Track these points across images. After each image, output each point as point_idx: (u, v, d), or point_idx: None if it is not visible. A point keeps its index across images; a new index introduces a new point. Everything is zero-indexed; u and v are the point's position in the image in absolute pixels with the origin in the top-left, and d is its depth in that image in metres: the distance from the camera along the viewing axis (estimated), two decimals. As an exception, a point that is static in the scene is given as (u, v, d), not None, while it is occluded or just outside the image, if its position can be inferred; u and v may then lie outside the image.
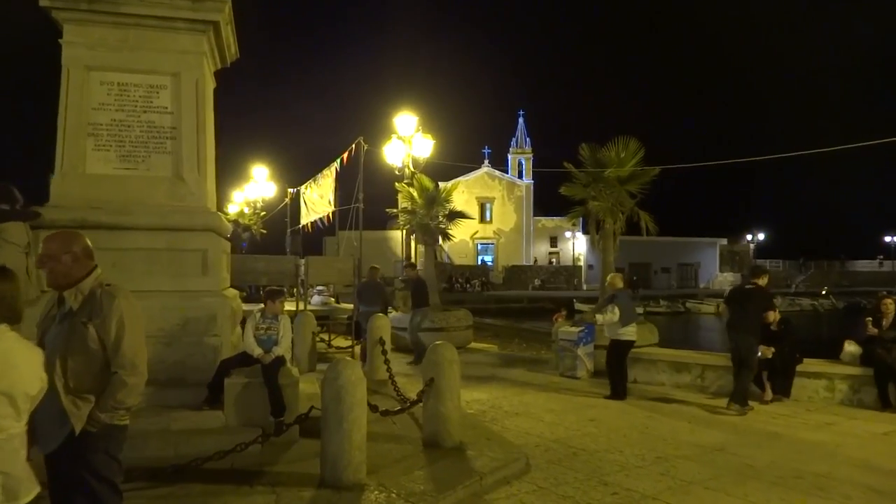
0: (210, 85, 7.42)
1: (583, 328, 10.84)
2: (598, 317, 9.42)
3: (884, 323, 8.63)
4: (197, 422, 5.99)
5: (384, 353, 9.31)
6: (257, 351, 6.20)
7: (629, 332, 9.52)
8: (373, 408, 5.44)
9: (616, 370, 9.40)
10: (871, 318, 8.83)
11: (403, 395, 7.81)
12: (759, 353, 8.58)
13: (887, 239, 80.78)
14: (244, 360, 6.22)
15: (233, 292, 7.60)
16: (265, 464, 5.46)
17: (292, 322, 7.47)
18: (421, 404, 6.25)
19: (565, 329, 10.94)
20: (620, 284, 9.93)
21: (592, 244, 12.48)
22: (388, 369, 8.78)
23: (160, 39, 6.77)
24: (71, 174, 6.58)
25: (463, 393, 6.98)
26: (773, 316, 8.97)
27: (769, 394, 8.80)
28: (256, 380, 6.12)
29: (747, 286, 8.94)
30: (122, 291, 3.25)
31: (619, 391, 9.20)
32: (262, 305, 6.73)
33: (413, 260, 19.23)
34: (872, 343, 8.64)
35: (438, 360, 6.17)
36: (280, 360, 6.25)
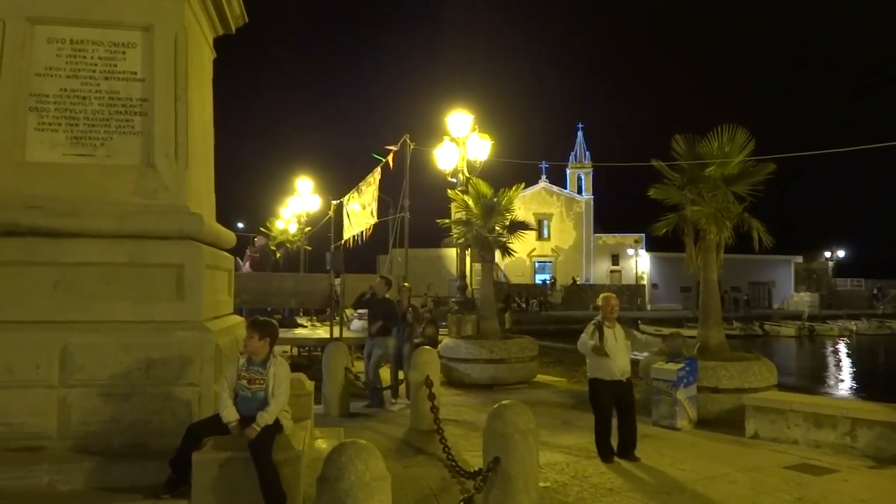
0: (199, 46, 5.64)
1: (683, 365, 8.57)
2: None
3: None
4: (151, 517, 4.10)
5: (431, 397, 7.31)
6: (228, 416, 4.25)
7: (603, 369, 6.87)
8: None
9: (596, 418, 6.98)
10: None
11: (456, 461, 5.79)
12: None
13: None
14: (222, 423, 4.30)
15: (228, 322, 5.73)
16: None
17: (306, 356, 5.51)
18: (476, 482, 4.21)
19: (660, 366, 8.68)
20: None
21: (689, 259, 10.27)
22: (436, 419, 6.82)
23: (125, -20, 5.06)
24: (5, 162, 4.89)
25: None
26: None
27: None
28: (240, 454, 4.18)
29: None
30: None
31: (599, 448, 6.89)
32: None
33: (468, 279, 17.19)
34: None
35: (506, 430, 4.12)
36: (274, 429, 4.29)
